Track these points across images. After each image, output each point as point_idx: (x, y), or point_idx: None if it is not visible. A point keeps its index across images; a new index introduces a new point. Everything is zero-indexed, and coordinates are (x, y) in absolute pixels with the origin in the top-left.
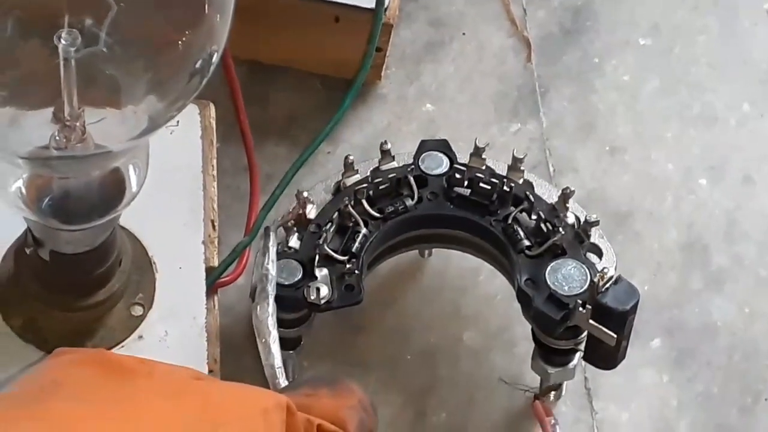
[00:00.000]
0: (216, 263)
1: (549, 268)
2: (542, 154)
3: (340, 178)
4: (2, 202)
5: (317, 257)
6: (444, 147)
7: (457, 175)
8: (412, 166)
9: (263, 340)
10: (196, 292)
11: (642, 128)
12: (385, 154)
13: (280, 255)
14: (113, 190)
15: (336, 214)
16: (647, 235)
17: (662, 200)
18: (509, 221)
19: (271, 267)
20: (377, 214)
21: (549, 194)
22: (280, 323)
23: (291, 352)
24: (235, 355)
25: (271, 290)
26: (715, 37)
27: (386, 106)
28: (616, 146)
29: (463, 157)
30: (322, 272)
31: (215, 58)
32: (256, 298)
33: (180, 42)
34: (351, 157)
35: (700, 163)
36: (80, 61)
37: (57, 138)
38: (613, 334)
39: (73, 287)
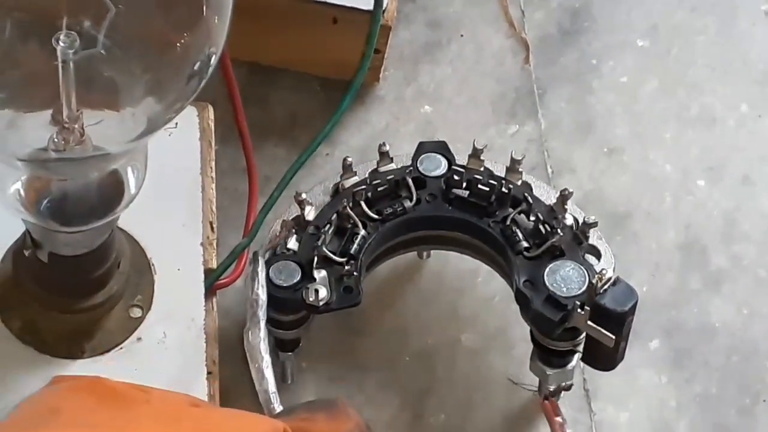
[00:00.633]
0: (215, 265)
1: (547, 269)
2: (540, 156)
3: (339, 179)
4: (1, 204)
5: (316, 259)
6: (442, 148)
7: (456, 177)
8: (411, 168)
9: (256, 365)
10: (194, 293)
11: (640, 129)
12: (384, 156)
13: (278, 257)
14: (112, 192)
15: (334, 215)
16: (646, 235)
17: (661, 201)
18: (507, 223)
19: (261, 292)
20: (376, 216)
21: (547, 195)
22: (279, 325)
23: (290, 353)
24: (234, 356)
25: (262, 315)
26: (713, 38)
27: (384, 108)
28: (614, 147)
29: (461, 159)
30: (320, 274)
31: (213, 60)
32: (247, 323)
33: (178, 44)
34: (349, 159)
35: (698, 163)
36: (78, 64)
37: (55, 140)
38: (611, 336)
39: (71, 289)
